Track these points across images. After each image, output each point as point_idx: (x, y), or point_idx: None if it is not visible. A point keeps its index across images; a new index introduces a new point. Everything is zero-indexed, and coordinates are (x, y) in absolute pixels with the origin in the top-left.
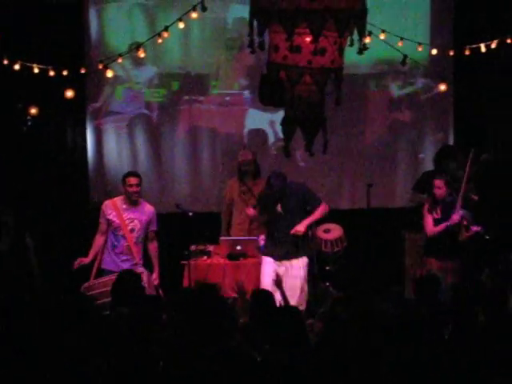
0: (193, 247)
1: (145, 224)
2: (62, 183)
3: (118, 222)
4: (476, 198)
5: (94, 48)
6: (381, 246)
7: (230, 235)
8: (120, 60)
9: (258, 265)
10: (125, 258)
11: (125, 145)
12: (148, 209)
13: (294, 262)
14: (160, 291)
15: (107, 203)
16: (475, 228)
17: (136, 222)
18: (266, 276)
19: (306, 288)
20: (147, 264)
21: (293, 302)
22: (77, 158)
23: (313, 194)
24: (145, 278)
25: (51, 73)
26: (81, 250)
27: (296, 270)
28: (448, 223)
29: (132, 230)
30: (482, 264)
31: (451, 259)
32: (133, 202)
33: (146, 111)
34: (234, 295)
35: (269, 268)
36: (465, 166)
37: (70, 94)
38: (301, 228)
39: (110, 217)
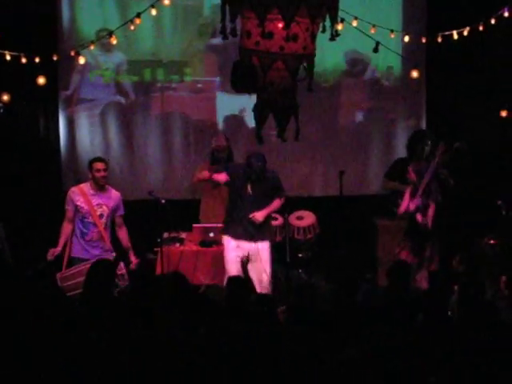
0: (165, 234)
1: (112, 209)
2: (34, 171)
3: (86, 207)
4: (452, 182)
5: (67, 35)
6: (353, 233)
7: (200, 221)
8: (92, 47)
9: None
10: (95, 244)
11: (97, 132)
12: (114, 194)
13: (260, 244)
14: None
15: (74, 189)
16: (420, 218)
17: (104, 207)
18: (231, 263)
19: (269, 271)
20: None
21: (262, 284)
22: (49, 146)
23: (280, 185)
24: (121, 264)
25: (23, 60)
26: (53, 239)
27: (262, 253)
28: (406, 208)
29: (101, 216)
30: (454, 250)
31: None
32: (100, 187)
33: (117, 98)
34: (207, 282)
35: (232, 254)
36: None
37: (41, 81)
38: (259, 217)
39: (78, 203)
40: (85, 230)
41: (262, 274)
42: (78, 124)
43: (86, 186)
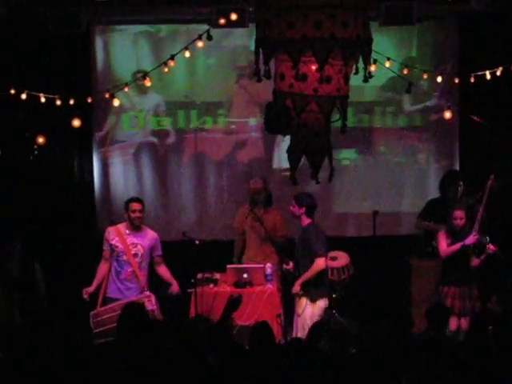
0: (199, 275)
1: (148, 249)
2: (69, 211)
3: (121, 246)
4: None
5: (101, 77)
6: (387, 273)
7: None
8: (126, 89)
9: (265, 293)
10: (129, 285)
11: (131, 173)
12: (151, 234)
13: (299, 301)
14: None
15: (110, 229)
16: (492, 247)
17: (139, 246)
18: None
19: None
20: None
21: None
22: (84, 187)
23: (318, 242)
24: (153, 300)
25: (58, 102)
26: (88, 279)
27: (300, 309)
28: (463, 243)
29: (135, 255)
30: (490, 290)
31: (467, 284)
32: (135, 227)
33: (151, 139)
34: (241, 324)
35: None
36: (472, 192)
37: (76, 122)
38: (294, 289)
39: (113, 242)
40: (119, 269)
41: (303, 330)
42: (112, 165)
43: (122, 226)
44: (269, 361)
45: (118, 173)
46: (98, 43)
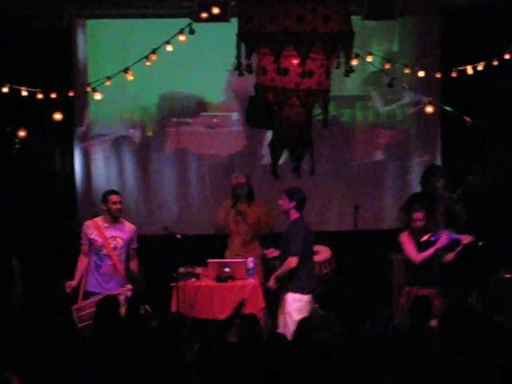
0: (181, 269)
1: (126, 241)
2: (50, 205)
3: (100, 240)
4: (465, 218)
5: (83, 71)
6: (369, 268)
7: (219, 255)
8: (108, 83)
9: (247, 287)
10: (109, 278)
11: (112, 167)
12: (128, 226)
13: (284, 297)
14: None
15: (88, 223)
16: (467, 238)
17: (118, 239)
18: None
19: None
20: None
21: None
22: (65, 181)
23: (294, 241)
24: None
25: (39, 96)
26: (70, 272)
27: (286, 306)
28: (436, 246)
29: (115, 248)
30: (470, 286)
31: (434, 285)
32: (115, 219)
33: (132, 133)
34: (223, 317)
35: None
36: (453, 187)
37: (58, 116)
38: (271, 284)
39: (92, 236)
40: (99, 263)
41: (286, 327)
42: (94, 158)
43: (99, 220)
44: (257, 354)
45: (99, 166)
46: (80, 37)
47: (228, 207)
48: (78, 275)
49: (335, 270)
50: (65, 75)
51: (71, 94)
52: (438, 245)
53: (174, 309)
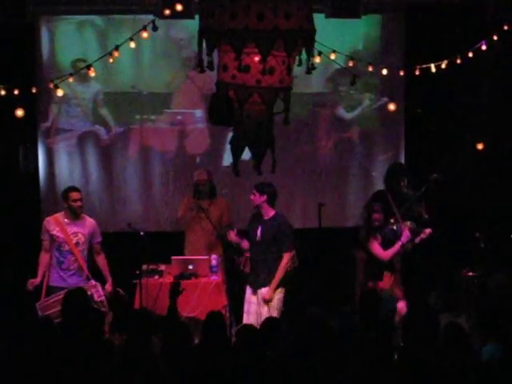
0: (144, 267)
1: (88, 237)
2: (13, 202)
3: (62, 236)
4: (427, 216)
5: (46, 67)
6: (333, 266)
7: (184, 254)
8: (71, 79)
9: (210, 284)
10: (72, 272)
11: (76, 164)
12: (89, 221)
13: (263, 291)
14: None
15: (49, 220)
16: (428, 231)
17: (80, 235)
18: (246, 313)
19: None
20: (98, 276)
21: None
22: (28, 177)
23: (286, 239)
24: (100, 289)
25: (2, 92)
26: (33, 269)
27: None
28: (401, 242)
29: (77, 244)
30: (431, 283)
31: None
32: (76, 216)
33: (96, 129)
34: (186, 315)
35: (247, 304)
36: (417, 185)
37: (20, 113)
38: (267, 296)
39: (54, 232)
40: (61, 259)
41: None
42: (57, 155)
43: (60, 216)
44: (221, 351)
45: (63, 163)
46: (44, 33)
47: (189, 203)
48: (40, 272)
49: (298, 268)
50: (28, 72)
51: (34, 90)
52: (403, 239)
53: (137, 306)
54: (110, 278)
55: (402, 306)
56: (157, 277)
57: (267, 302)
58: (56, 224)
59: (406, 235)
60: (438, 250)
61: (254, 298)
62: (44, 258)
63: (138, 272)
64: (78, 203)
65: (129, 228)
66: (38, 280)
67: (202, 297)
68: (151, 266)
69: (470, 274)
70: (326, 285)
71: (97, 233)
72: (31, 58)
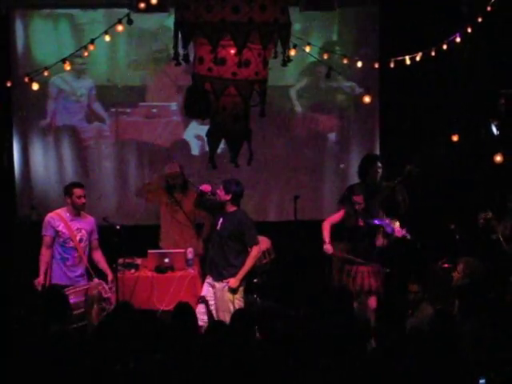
0: (120, 260)
1: (89, 233)
2: None
3: (67, 233)
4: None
5: (21, 61)
6: (308, 258)
7: (160, 247)
8: (46, 73)
9: (186, 278)
10: (77, 269)
11: (51, 157)
12: (89, 218)
13: (223, 284)
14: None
15: (53, 215)
16: (400, 232)
17: (83, 231)
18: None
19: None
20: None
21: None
22: (3, 172)
23: (251, 232)
24: (105, 286)
25: None
26: (9, 265)
27: (226, 293)
28: (326, 243)
29: (81, 240)
30: (407, 275)
31: (372, 262)
32: (78, 212)
33: (71, 123)
34: (163, 308)
35: (205, 284)
36: (391, 176)
37: None
38: (233, 284)
39: (60, 228)
40: (66, 255)
41: (225, 312)
42: (33, 149)
43: (62, 212)
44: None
45: (38, 157)
46: (19, 27)
47: (162, 197)
48: (42, 268)
49: (274, 260)
50: (3, 65)
51: (9, 84)
52: (326, 249)
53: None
54: (110, 272)
55: (372, 300)
56: (133, 270)
57: (233, 291)
58: (60, 220)
59: (328, 248)
60: (414, 241)
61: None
62: (46, 254)
63: (114, 266)
64: (82, 200)
65: (104, 222)
66: (42, 278)
67: (179, 290)
68: (127, 260)
69: (446, 265)
70: (301, 277)
71: (95, 229)
72: (6, 52)
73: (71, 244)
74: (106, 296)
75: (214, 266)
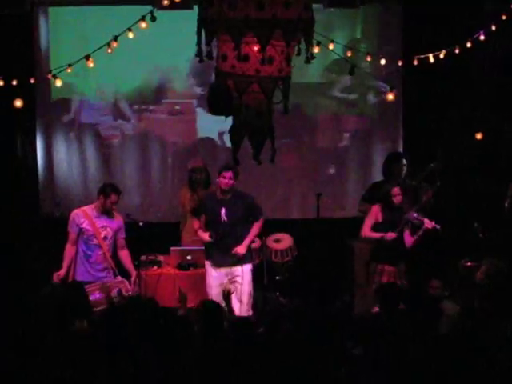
0: (143, 257)
1: (115, 231)
2: (11, 194)
3: (91, 230)
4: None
5: (44, 57)
6: (330, 256)
7: (181, 244)
8: (70, 70)
9: None
10: (100, 266)
11: (75, 154)
12: (117, 217)
13: (239, 268)
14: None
15: (78, 212)
16: (429, 223)
17: (108, 229)
18: (211, 288)
19: (252, 293)
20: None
21: (243, 307)
22: (27, 169)
23: (257, 206)
24: (127, 285)
25: (0, 83)
26: (32, 262)
27: (243, 276)
28: (383, 235)
29: (105, 238)
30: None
31: (400, 263)
32: (105, 211)
33: (95, 120)
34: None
35: (213, 281)
36: (415, 174)
37: (18, 103)
38: (242, 250)
39: (84, 225)
40: (89, 252)
41: (241, 296)
42: (56, 146)
43: (89, 209)
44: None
45: (61, 154)
46: (42, 23)
47: (186, 194)
48: (65, 264)
49: (296, 258)
50: (26, 62)
51: (32, 80)
52: (387, 236)
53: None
54: (134, 272)
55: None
56: (155, 267)
57: (239, 257)
58: (85, 217)
59: (390, 234)
60: (437, 239)
61: (219, 276)
62: (70, 250)
63: (136, 263)
64: (114, 206)
65: (128, 219)
66: (63, 272)
67: (200, 287)
68: (150, 257)
69: (469, 264)
70: (323, 274)
71: (123, 228)
72: (30, 49)
73: (95, 241)
74: (126, 294)
75: (225, 255)
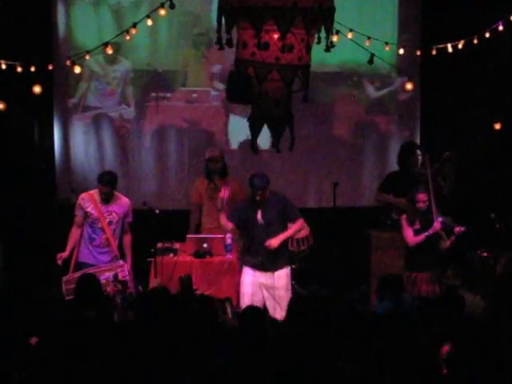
0: (159, 245)
1: (122, 216)
2: (28, 180)
3: (96, 214)
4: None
5: (62, 44)
6: (347, 245)
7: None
8: (88, 57)
9: (225, 263)
10: (103, 250)
11: (92, 142)
12: (125, 201)
13: (279, 272)
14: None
15: (84, 196)
16: (458, 229)
17: (114, 214)
18: (246, 286)
19: (286, 298)
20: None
21: (281, 311)
22: (44, 156)
23: (293, 208)
24: (126, 269)
25: (19, 69)
26: (49, 247)
27: (282, 280)
28: (428, 233)
29: (110, 223)
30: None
31: (432, 269)
32: (103, 200)
33: (112, 108)
34: (201, 293)
35: (248, 279)
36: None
37: (37, 89)
38: (274, 242)
39: (89, 209)
40: (93, 236)
41: (282, 300)
42: (73, 133)
43: (95, 193)
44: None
45: (78, 141)
46: (60, 10)
47: (202, 185)
48: (69, 246)
49: (312, 247)
50: (45, 48)
51: (50, 67)
52: (431, 230)
53: (152, 284)
54: (130, 258)
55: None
56: (172, 255)
57: (273, 247)
58: (90, 201)
59: (435, 227)
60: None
61: (255, 280)
62: (75, 232)
63: (152, 250)
64: (102, 196)
65: (144, 206)
66: (66, 254)
67: (217, 275)
68: (166, 245)
69: (485, 254)
70: (340, 264)
71: (129, 212)
72: (48, 35)
73: (99, 225)
74: (122, 279)
75: (269, 261)
